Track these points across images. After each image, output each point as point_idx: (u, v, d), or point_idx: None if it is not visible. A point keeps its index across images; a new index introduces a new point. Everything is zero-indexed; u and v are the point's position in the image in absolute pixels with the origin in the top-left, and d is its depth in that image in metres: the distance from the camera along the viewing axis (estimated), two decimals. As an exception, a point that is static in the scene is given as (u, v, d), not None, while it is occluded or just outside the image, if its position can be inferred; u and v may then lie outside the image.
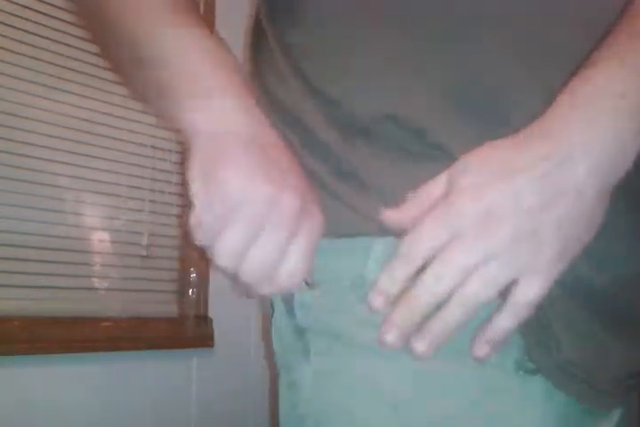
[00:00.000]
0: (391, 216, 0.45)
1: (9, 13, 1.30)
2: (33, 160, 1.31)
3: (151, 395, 1.41)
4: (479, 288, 0.41)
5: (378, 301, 0.44)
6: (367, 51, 0.51)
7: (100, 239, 1.41)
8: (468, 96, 0.48)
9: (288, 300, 0.53)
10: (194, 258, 1.55)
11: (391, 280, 0.43)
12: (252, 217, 0.44)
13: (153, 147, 1.52)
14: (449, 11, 0.49)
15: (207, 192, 0.45)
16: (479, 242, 0.41)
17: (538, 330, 0.46)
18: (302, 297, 0.51)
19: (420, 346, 0.43)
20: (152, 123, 1.52)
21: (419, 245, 0.42)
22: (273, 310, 0.58)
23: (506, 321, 0.42)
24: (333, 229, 0.49)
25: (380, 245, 0.48)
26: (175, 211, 1.56)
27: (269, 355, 0.59)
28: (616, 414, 0.51)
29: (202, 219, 0.45)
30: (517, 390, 0.46)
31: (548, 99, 0.44)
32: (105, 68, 1.44)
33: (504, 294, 0.42)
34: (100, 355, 1.32)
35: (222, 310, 1.56)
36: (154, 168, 1.52)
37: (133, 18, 0.52)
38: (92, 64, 1.42)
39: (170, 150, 1.56)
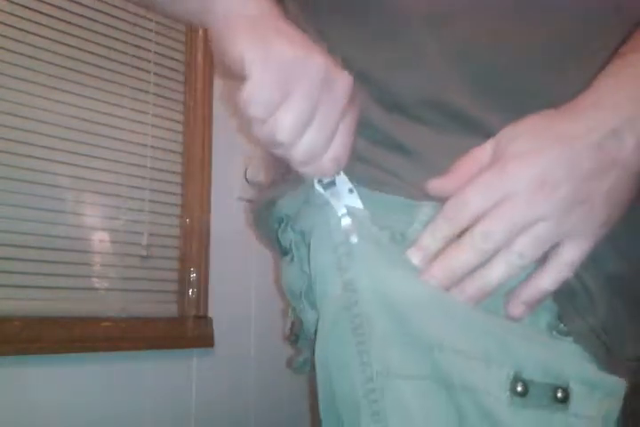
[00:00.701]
0: (437, 184, 0.46)
1: (9, 13, 1.30)
2: (33, 160, 1.31)
3: (151, 395, 1.41)
4: (526, 247, 0.42)
5: (417, 256, 0.45)
6: (410, 39, 0.51)
7: (100, 239, 1.41)
8: (503, 83, 0.50)
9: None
10: (194, 258, 1.55)
11: (433, 237, 0.44)
12: (311, 90, 0.44)
13: (153, 147, 1.52)
14: (491, 8, 0.50)
15: (265, 63, 0.44)
16: (531, 204, 0.42)
17: (574, 293, 0.47)
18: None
19: (459, 299, 0.44)
20: (152, 123, 1.52)
21: (467, 204, 0.43)
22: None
23: (546, 281, 0.43)
24: (372, 186, 0.50)
25: (426, 208, 0.49)
26: (175, 211, 1.56)
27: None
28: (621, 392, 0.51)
29: (259, 90, 0.44)
30: (553, 344, 0.46)
31: (573, 86, 0.46)
32: (106, 69, 1.45)
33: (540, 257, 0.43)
34: (100, 355, 1.32)
35: (222, 310, 1.56)
36: (154, 168, 1.52)
37: None
38: (92, 64, 1.42)
39: (170, 150, 1.56)
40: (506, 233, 0.42)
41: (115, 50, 1.47)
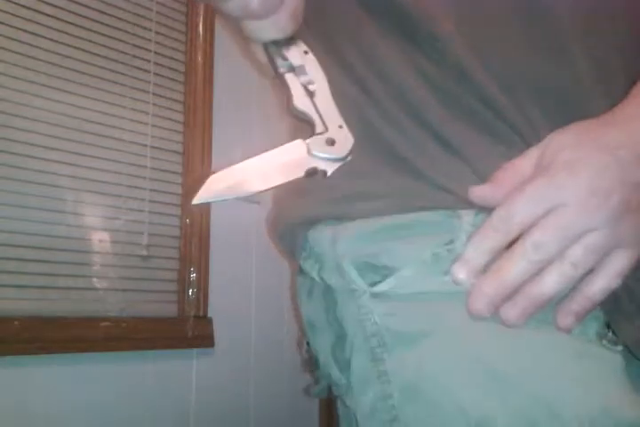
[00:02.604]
0: (480, 192, 0.45)
1: (9, 13, 1.30)
2: (33, 160, 1.31)
3: (151, 395, 1.41)
4: (580, 258, 0.41)
5: (463, 270, 0.44)
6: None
7: (100, 239, 1.41)
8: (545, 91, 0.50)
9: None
10: (194, 258, 1.55)
11: (481, 249, 0.43)
12: None
13: (153, 147, 1.52)
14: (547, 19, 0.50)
15: None
16: (583, 213, 0.41)
17: (619, 299, 0.46)
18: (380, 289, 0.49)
19: (513, 314, 0.43)
20: (152, 123, 1.52)
21: (516, 214, 0.42)
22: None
23: (597, 291, 0.43)
24: (406, 204, 0.49)
25: (469, 217, 0.48)
26: (175, 211, 1.56)
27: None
28: None
29: None
30: (604, 357, 0.46)
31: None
32: (106, 69, 1.45)
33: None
34: (100, 355, 1.32)
35: (222, 310, 1.56)
36: (154, 168, 1.52)
37: None
38: (92, 64, 1.42)
39: (170, 150, 1.56)
40: (558, 243, 0.41)
41: (115, 50, 1.47)
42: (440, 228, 0.48)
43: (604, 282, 0.43)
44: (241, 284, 1.64)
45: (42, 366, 1.25)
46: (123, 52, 1.48)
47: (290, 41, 0.49)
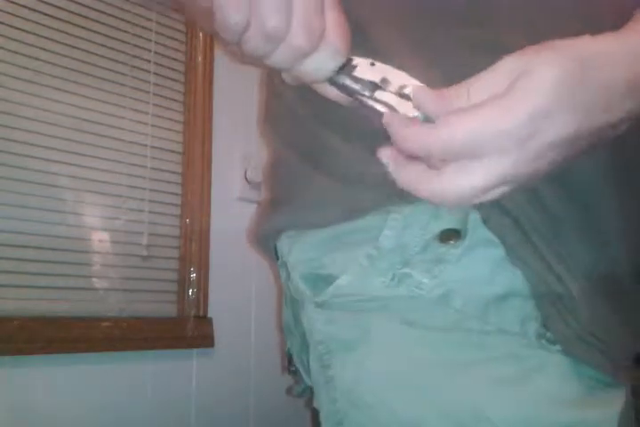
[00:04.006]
0: (425, 95, 0.40)
1: (9, 13, 1.30)
2: (33, 160, 1.31)
3: (151, 395, 1.41)
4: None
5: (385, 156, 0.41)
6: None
7: (100, 239, 1.41)
8: None
9: None
10: (194, 258, 1.55)
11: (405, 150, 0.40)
12: None
13: (153, 147, 1.52)
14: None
15: None
16: (522, 164, 0.37)
17: (556, 298, 0.46)
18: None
19: None
20: (152, 123, 1.52)
21: (454, 146, 0.37)
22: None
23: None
24: (352, 211, 0.50)
25: (395, 213, 0.48)
26: (175, 211, 1.56)
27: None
28: (622, 393, 0.51)
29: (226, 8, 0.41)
30: (541, 357, 0.46)
31: None
32: (105, 69, 1.45)
33: None
34: (99, 355, 1.32)
35: (222, 310, 1.56)
36: (154, 168, 1.52)
37: None
38: (92, 64, 1.42)
39: (170, 150, 1.56)
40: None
41: (115, 50, 1.47)
42: (373, 229, 0.49)
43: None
44: (241, 284, 1.65)
45: (42, 366, 1.25)
46: (123, 52, 1.48)
47: (350, 60, 0.45)
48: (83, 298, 1.36)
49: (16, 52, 1.30)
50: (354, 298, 0.49)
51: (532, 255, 0.46)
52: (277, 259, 0.60)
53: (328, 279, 0.51)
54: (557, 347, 0.46)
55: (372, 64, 0.44)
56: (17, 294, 1.26)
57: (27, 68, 1.32)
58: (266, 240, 0.60)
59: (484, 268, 0.46)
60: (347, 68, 0.44)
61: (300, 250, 0.54)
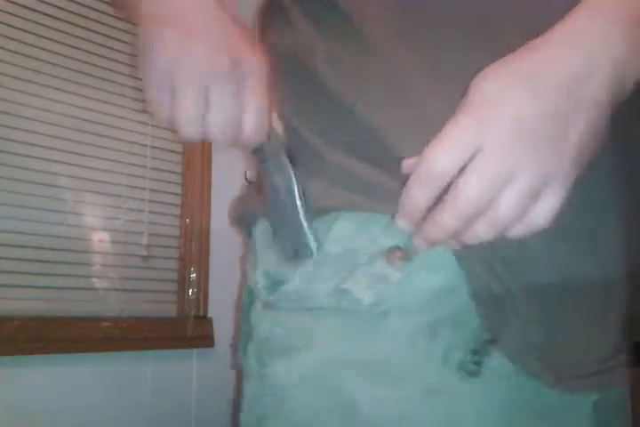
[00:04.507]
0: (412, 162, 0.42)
1: (9, 13, 1.30)
2: (33, 160, 1.31)
3: (151, 395, 1.41)
4: (512, 205, 0.39)
5: (404, 223, 0.43)
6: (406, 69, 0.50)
7: (100, 239, 1.41)
8: None
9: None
10: (194, 258, 1.55)
11: (414, 207, 0.41)
12: (191, 83, 0.45)
13: (153, 147, 1.52)
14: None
15: (147, 65, 0.46)
16: (505, 158, 0.39)
17: (506, 315, 0.46)
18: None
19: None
20: (152, 123, 1.52)
21: (437, 168, 0.39)
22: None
23: (520, 231, 0.40)
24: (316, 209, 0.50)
25: (339, 218, 0.49)
26: (175, 211, 1.56)
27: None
28: (587, 404, 0.51)
29: (152, 94, 0.46)
30: (455, 390, 0.46)
31: None
32: (105, 69, 1.45)
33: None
34: (100, 355, 1.32)
35: (222, 310, 1.56)
36: (154, 168, 1.52)
37: None
38: (92, 64, 1.42)
39: (170, 150, 1.56)
40: (486, 194, 0.39)
41: (115, 50, 1.47)
42: (323, 233, 0.50)
43: (528, 223, 0.40)
44: (241, 284, 1.65)
45: (42, 366, 1.25)
46: (123, 52, 1.48)
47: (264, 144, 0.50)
48: (83, 298, 1.36)
49: (16, 52, 1.31)
50: (299, 304, 0.50)
51: (482, 268, 0.46)
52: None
53: (279, 280, 0.51)
54: (477, 378, 0.46)
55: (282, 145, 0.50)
56: (17, 294, 1.26)
57: (27, 68, 1.32)
58: (243, 221, 0.61)
59: (423, 295, 0.47)
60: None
61: (262, 246, 0.55)
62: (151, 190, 1.51)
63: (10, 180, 1.27)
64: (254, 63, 0.47)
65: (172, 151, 1.57)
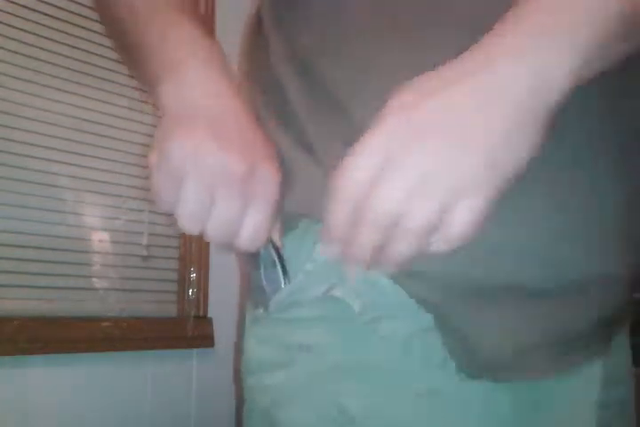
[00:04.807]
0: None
1: (9, 13, 1.30)
2: (33, 160, 1.31)
3: (151, 395, 1.41)
4: (419, 226, 0.39)
5: (329, 251, 0.43)
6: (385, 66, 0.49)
7: (100, 239, 1.41)
8: None
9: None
10: (194, 258, 1.55)
11: (336, 224, 0.41)
12: (201, 181, 0.45)
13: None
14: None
15: (161, 154, 0.46)
16: (412, 163, 0.38)
17: (460, 329, 0.47)
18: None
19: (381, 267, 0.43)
20: (152, 123, 1.52)
21: (352, 178, 0.40)
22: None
23: (442, 246, 0.40)
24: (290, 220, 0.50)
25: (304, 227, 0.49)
26: (175, 211, 1.56)
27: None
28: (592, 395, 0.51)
29: (159, 181, 0.46)
30: (456, 392, 0.46)
31: None
32: (105, 69, 1.45)
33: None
34: (100, 355, 1.32)
35: (222, 310, 1.56)
36: (154, 168, 1.52)
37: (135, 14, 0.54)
38: (92, 64, 1.42)
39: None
40: (395, 205, 0.39)
41: (115, 50, 1.47)
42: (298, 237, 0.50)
43: (445, 238, 0.40)
44: (241, 284, 1.64)
45: (42, 366, 1.25)
46: (123, 52, 1.48)
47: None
48: (83, 298, 1.36)
49: (16, 52, 1.30)
50: (282, 317, 0.50)
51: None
52: None
53: (266, 294, 0.51)
54: (477, 381, 0.46)
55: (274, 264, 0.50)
56: (17, 294, 1.26)
57: (27, 68, 1.32)
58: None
59: (413, 301, 0.47)
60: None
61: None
62: (151, 190, 1.51)
63: (10, 180, 1.27)
64: (268, 173, 0.46)
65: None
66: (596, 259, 0.50)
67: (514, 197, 0.41)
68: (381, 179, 0.39)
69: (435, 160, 0.38)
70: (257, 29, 0.60)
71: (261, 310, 0.51)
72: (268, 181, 0.46)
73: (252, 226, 0.46)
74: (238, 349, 0.60)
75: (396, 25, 0.49)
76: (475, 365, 0.47)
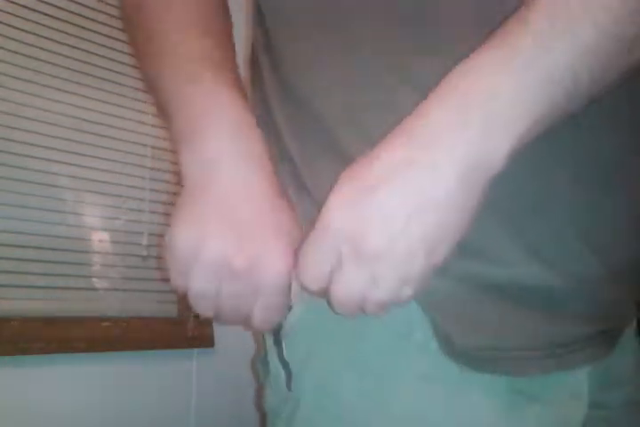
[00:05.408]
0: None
1: (9, 13, 1.30)
2: (33, 160, 1.31)
3: (151, 395, 1.41)
4: (375, 310, 0.43)
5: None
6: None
7: (100, 239, 1.41)
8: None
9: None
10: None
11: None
12: (205, 273, 0.45)
13: (153, 147, 1.52)
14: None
15: (168, 243, 0.47)
16: (359, 266, 0.41)
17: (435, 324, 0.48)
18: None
19: None
20: (152, 123, 1.52)
21: (308, 277, 0.44)
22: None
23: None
24: None
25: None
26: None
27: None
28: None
29: (169, 268, 0.48)
30: (455, 379, 0.47)
31: None
32: (105, 69, 1.45)
33: None
34: (99, 355, 1.32)
35: (222, 310, 1.56)
36: (154, 168, 1.52)
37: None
38: (92, 64, 1.42)
39: (170, 150, 1.56)
40: (353, 304, 0.43)
41: (115, 50, 1.47)
42: None
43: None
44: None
45: (42, 366, 1.25)
46: (123, 52, 1.48)
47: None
48: (83, 298, 1.36)
49: (16, 52, 1.30)
50: (306, 334, 0.50)
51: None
52: None
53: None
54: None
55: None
56: (17, 294, 1.26)
57: (27, 68, 1.32)
58: None
59: None
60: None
61: None
62: (151, 190, 1.51)
63: (10, 180, 1.27)
64: (273, 265, 0.45)
65: (173, 151, 1.56)
66: (602, 258, 0.50)
67: (507, 194, 0.42)
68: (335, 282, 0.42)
69: (383, 264, 0.41)
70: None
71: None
72: (272, 272, 0.45)
73: (261, 315, 0.47)
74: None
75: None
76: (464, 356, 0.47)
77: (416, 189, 0.40)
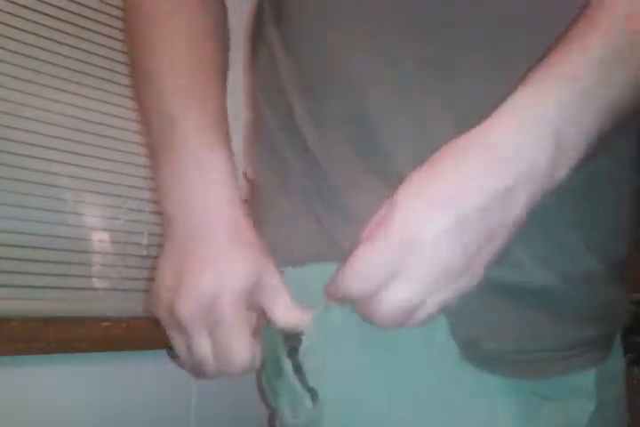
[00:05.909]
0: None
1: (9, 13, 1.30)
2: (33, 160, 1.31)
3: (151, 395, 1.41)
4: (416, 325, 0.43)
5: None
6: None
7: (100, 239, 1.41)
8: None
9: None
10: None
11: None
12: (168, 323, 0.50)
13: (153, 147, 1.52)
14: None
15: (151, 287, 0.50)
16: (423, 281, 0.40)
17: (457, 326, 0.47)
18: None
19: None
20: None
21: (354, 287, 0.42)
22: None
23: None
24: (301, 257, 0.51)
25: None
26: (175, 211, 1.56)
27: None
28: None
29: (155, 309, 0.51)
30: (472, 383, 0.46)
31: None
32: (105, 69, 1.45)
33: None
34: (99, 355, 1.32)
35: (222, 310, 1.56)
36: (154, 168, 1.52)
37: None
38: (92, 64, 1.42)
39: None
40: (402, 317, 0.42)
41: (115, 50, 1.47)
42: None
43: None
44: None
45: (42, 366, 1.25)
46: (123, 53, 1.48)
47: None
48: (83, 298, 1.36)
49: (16, 52, 1.30)
50: (322, 350, 0.50)
51: None
52: None
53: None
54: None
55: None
56: (17, 294, 1.26)
57: (27, 68, 1.32)
58: None
59: None
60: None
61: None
62: (151, 190, 1.51)
63: (10, 180, 1.27)
64: (229, 301, 0.47)
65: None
66: (601, 258, 0.50)
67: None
68: (385, 292, 0.41)
69: (436, 280, 0.41)
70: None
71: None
72: (228, 309, 0.48)
73: (240, 359, 0.50)
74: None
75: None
76: (479, 359, 0.47)
77: (493, 214, 0.40)
